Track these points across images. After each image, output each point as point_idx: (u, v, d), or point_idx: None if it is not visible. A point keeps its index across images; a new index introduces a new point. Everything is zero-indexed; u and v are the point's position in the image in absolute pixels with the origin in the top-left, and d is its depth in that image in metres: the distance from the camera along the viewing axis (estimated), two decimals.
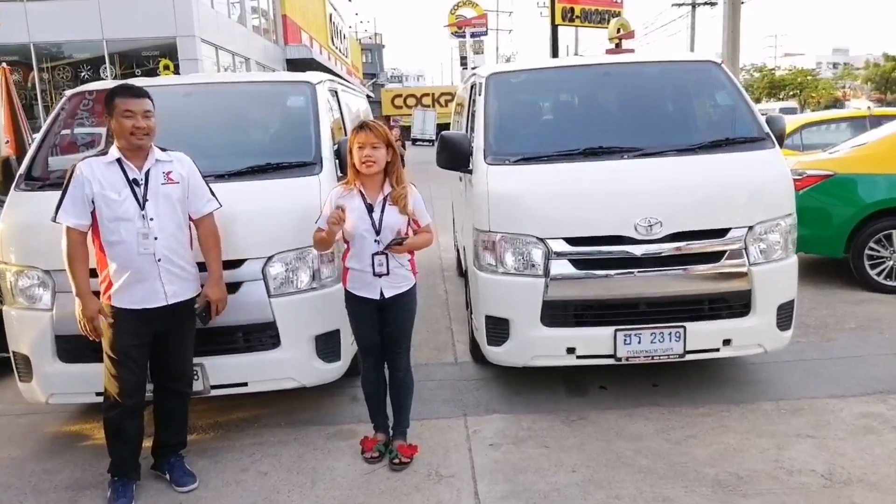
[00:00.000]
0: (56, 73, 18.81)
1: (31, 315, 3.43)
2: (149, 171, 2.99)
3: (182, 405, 3.30)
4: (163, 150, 3.08)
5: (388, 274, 3.15)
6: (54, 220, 2.92)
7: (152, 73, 18.02)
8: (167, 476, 3.23)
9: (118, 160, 2.95)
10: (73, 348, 3.36)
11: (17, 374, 3.56)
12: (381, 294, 3.19)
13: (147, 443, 3.27)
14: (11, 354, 3.56)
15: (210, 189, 3.19)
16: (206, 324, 3.22)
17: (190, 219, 3.14)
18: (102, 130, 4.06)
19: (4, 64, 8.25)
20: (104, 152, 3.02)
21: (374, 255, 3.13)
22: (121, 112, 2.89)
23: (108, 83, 3.72)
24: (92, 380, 3.23)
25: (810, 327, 5.02)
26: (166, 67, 18.13)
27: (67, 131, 4.10)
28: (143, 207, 2.94)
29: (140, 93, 2.96)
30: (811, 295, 5.80)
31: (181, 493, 3.14)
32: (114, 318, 2.98)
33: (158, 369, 3.18)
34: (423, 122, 42.23)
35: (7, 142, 7.80)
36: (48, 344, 3.42)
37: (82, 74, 18.43)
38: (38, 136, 3.92)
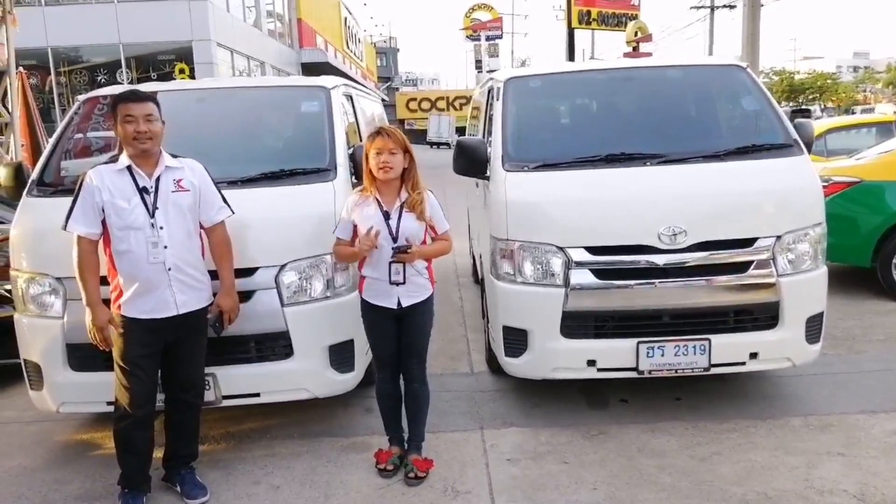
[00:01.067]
0: (73, 77, 19.01)
1: (42, 323, 3.39)
2: (159, 178, 2.93)
3: (193, 416, 3.23)
4: (174, 156, 3.02)
5: (404, 283, 3.08)
6: (65, 228, 2.88)
7: (168, 76, 18.14)
8: (178, 488, 3.17)
9: (128, 167, 2.90)
10: (84, 357, 3.31)
11: (27, 382, 3.52)
12: (399, 303, 3.11)
13: (158, 453, 3.21)
14: (22, 362, 3.52)
15: (222, 196, 3.13)
16: (219, 333, 3.17)
17: (202, 227, 3.08)
18: None
19: (21, 69, 8.32)
20: (114, 159, 2.96)
21: (390, 263, 3.06)
22: (123, 117, 2.83)
23: (124, 87, 3.67)
24: (103, 389, 3.18)
25: (838, 339, 4.87)
26: (182, 71, 18.25)
27: (80, 136, 4.06)
28: (152, 216, 2.88)
29: (142, 97, 2.90)
30: (837, 305, 5.62)
31: None
32: (124, 327, 2.93)
33: (169, 380, 3.12)
34: (438, 126, 42.79)
35: (23, 145, 7.85)
36: (59, 352, 3.37)
37: (99, 78, 18.60)
38: (50, 142, 3.89)
